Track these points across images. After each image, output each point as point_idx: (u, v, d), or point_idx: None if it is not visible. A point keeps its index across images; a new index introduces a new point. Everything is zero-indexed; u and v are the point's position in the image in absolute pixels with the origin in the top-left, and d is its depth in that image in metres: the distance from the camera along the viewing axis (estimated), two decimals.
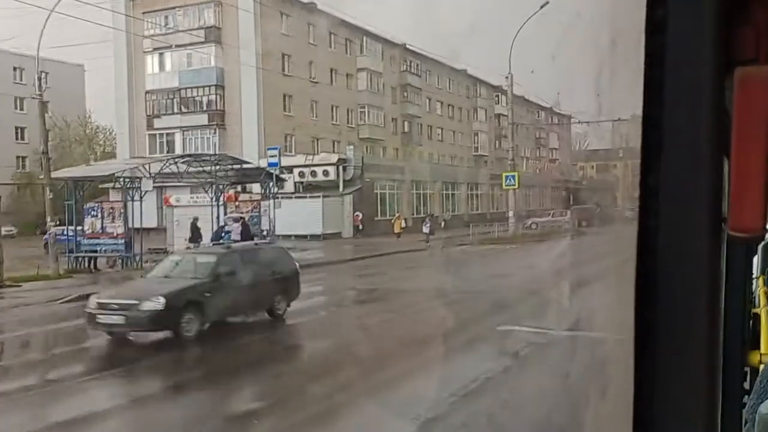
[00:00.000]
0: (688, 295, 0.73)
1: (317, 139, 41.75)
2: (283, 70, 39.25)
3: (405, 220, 33.53)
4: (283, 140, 39.20)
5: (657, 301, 0.74)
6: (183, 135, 38.77)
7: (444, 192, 45.98)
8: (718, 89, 0.73)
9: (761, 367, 1.75)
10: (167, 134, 39.36)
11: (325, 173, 34.06)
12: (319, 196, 33.08)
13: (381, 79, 48.31)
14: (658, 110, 0.73)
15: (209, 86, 38.10)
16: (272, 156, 22.85)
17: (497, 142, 71.79)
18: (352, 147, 36.02)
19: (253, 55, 36.85)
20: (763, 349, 1.86)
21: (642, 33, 0.75)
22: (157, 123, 39.63)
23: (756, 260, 2.50)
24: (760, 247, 2.40)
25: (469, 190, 48.93)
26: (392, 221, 33.15)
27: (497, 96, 67.62)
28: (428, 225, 29.24)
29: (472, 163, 62.51)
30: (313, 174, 34.21)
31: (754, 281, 2.47)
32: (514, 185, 31.97)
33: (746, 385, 1.91)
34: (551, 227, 41.25)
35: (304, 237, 32.69)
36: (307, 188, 35.14)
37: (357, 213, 36.11)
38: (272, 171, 22.77)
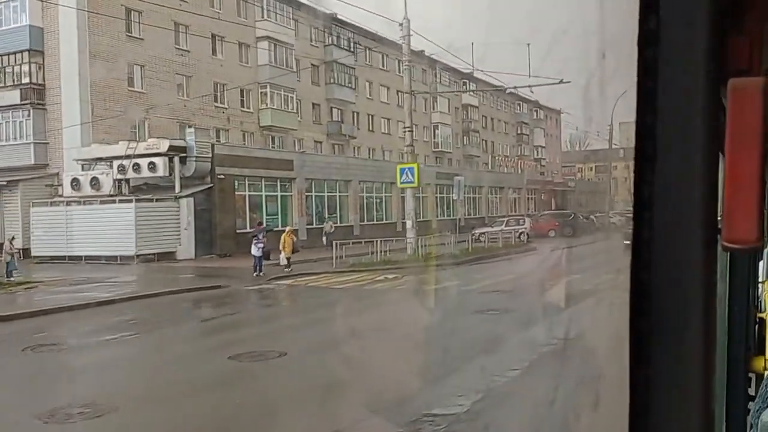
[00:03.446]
0: (682, 307, 0.74)
1: (191, 126, 31.49)
2: (129, 30, 29.09)
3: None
4: (129, 126, 29.04)
5: (651, 312, 0.74)
6: None
7: (364, 195, 35.61)
8: (711, 100, 0.73)
9: (766, 373, 1.68)
10: None
11: (152, 167, 23.74)
12: (131, 200, 22.75)
13: (292, 52, 38.09)
14: (652, 121, 0.73)
15: (21, 52, 28.01)
16: None
17: (465, 137, 61.25)
18: (192, 130, 25.63)
19: (76, 8, 26.78)
20: None
21: (634, 44, 0.74)
22: None
23: (762, 265, 2.42)
24: (766, 251, 2.36)
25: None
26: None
27: (465, 83, 57.34)
28: (260, 244, 18.57)
29: (431, 161, 52.02)
30: (136, 168, 23.91)
31: (760, 285, 2.37)
32: (413, 182, 21.57)
33: (751, 391, 1.87)
34: (505, 240, 31.18)
35: (114, 259, 22.55)
36: (138, 189, 24.95)
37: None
38: None
